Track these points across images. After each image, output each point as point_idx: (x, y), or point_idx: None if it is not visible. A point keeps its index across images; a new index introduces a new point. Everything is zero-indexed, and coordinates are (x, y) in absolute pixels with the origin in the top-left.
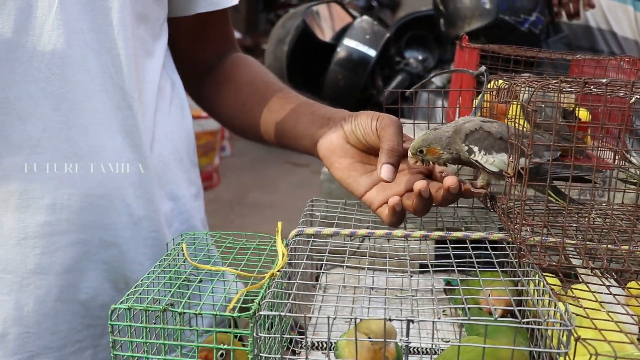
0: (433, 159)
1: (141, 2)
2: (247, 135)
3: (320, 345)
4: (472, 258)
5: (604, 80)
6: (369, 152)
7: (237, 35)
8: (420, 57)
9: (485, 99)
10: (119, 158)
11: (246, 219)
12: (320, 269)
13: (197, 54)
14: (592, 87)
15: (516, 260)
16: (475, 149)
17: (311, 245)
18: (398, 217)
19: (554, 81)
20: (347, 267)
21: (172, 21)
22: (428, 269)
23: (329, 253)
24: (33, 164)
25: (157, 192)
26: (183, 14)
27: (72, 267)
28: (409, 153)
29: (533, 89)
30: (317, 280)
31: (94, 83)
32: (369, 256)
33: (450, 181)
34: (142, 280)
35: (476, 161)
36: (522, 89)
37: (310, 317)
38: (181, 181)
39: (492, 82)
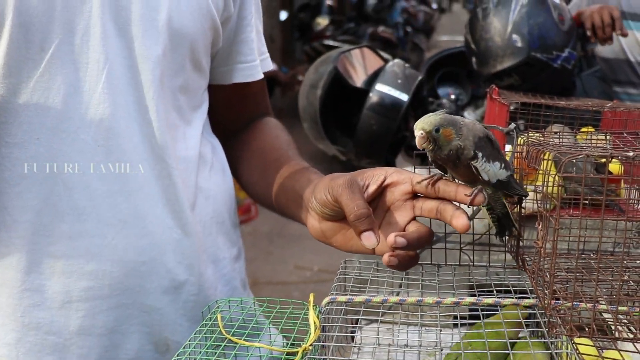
0: (443, 143)
1: (182, 75)
2: (265, 206)
3: None
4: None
5: (631, 154)
6: (340, 214)
7: (273, 67)
8: (453, 95)
9: (515, 156)
10: (160, 225)
11: (285, 251)
12: (356, 324)
13: (229, 120)
14: (619, 157)
15: (547, 329)
16: (480, 154)
17: (343, 308)
18: (403, 264)
19: (580, 156)
20: (381, 322)
21: (209, 88)
22: (461, 321)
23: (363, 308)
24: (78, 231)
25: (199, 257)
26: (221, 82)
27: (113, 330)
28: (420, 132)
29: (560, 161)
30: (352, 334)
31: (136, 153)
32: (402, 311)
33: (461, 222)
34: (177, 356)
35: (475, 167)
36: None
37: None
38: (222, 243)
39: (521, 139)
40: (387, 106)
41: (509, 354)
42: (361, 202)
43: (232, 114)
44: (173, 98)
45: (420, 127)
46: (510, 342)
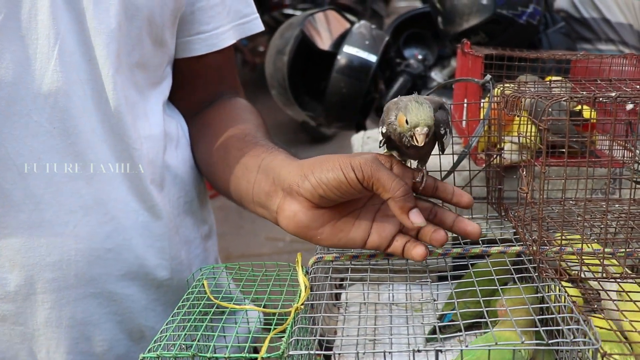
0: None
1: (139, 50)
2: (219, 190)
3: None
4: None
5: (613, 94)
6: (344, 200)
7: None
8: (419, 56)
9: (492, 107)
10: (124, 208)
11: (256, 224)
12: (340, 287)
13: (190, 94)
14: (601, 98)
15: (536, 274)
16: (448, 131)
17: (331, 267)
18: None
19: (564, 98)
20: (367, 283)
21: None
22: (446, 281)
23: (351, 265)
24: (37, 220)
25: (171, 239)
26: (180, 56)
27: (83, 321)
28: (425, 130)
29: (542, 102)
30: (337, 297)
31: (95, 134)
32: (388, 271)
33: (472, 228)
34: (167, 324)
35: (442, 143)
36: (529, 98)
37: (337, 354)
38: (191, 223)
39: (497, 89)
40: (356, 68)
41: (497, 293)
42: (400, 179)
43: (191, 89)
44: (131, 74)
45: (424, 124)
46: (501, 287)
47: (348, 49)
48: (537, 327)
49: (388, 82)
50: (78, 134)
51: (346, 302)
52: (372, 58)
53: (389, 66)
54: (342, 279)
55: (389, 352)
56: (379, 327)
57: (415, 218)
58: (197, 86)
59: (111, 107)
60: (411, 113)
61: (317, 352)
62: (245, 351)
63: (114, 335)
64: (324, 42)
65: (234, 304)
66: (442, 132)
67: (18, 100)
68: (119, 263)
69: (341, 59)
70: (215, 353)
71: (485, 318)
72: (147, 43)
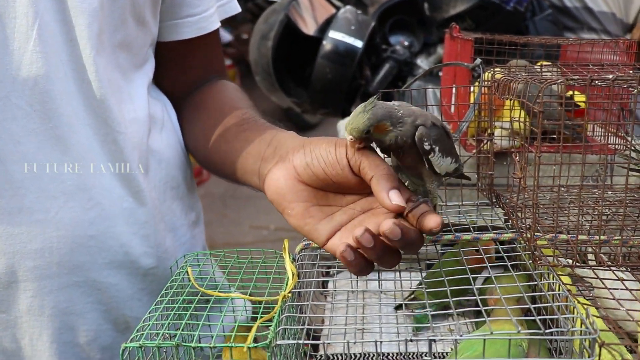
0: (379, 137)
1: (122, 31)
2: (212, 170)
3: (335, 357)
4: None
5: (611, 77)
6: (327, 188)
7: (226, 36)
8: (405, 43)
9: (483, 92)
10: (108, 194)
11: (240, 212)
12: (327, 275)
13: (176, 78)
14: (598, 82)
15: (530, 262)
16: (437, 149)
17: (319, 254)
18: (357, 266)
19: (559, 80)
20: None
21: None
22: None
23: (335, 259)
24: (17, 206)
25: (156, 226)
26: (167, 39)
27: (66, 310)
28: (349, 136)
29: (535, 85)
30: (323, 285)
31: (78, 118)
32: None
33: (385, 225)
34: (149, 313)
35: (429, 161)
36: (521, 83)
37: (326, 343)
38: (178, 210)
39: (488, 74)
40: (342, 53)
41: (471, 282)
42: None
43: (177, 73)
44: (113, 56)
45: (349, 131)
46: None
47: (333, 34)
48: (532, 316)
49: (374, 69)
50: (59, 117)
51: (334, 290)
52: (358, 43)
53: (374, 52)
54: (329, 267)
55: (379, 342)
56: (367, 315)
57: (395, 197)
58: (184, 69)
59: (94, 89)
60: (350, 116)
61: (305, 341)
62: (232, 340)
63: (98, 325)
64: (309, 27)
65: (219, 291)
66: (427, 147)
67: None
68: (103, 251)
69: (326, 44)
70: (200, 342)
71: (473, 308)
72: (130, 23)
